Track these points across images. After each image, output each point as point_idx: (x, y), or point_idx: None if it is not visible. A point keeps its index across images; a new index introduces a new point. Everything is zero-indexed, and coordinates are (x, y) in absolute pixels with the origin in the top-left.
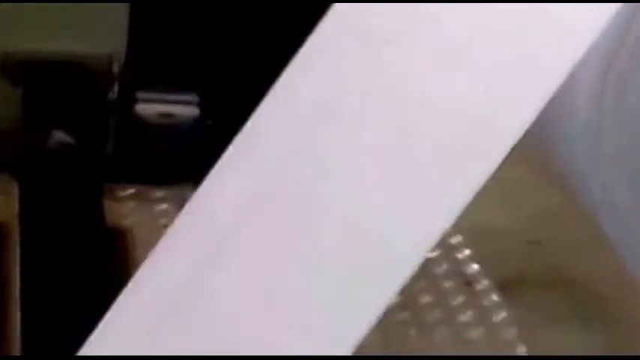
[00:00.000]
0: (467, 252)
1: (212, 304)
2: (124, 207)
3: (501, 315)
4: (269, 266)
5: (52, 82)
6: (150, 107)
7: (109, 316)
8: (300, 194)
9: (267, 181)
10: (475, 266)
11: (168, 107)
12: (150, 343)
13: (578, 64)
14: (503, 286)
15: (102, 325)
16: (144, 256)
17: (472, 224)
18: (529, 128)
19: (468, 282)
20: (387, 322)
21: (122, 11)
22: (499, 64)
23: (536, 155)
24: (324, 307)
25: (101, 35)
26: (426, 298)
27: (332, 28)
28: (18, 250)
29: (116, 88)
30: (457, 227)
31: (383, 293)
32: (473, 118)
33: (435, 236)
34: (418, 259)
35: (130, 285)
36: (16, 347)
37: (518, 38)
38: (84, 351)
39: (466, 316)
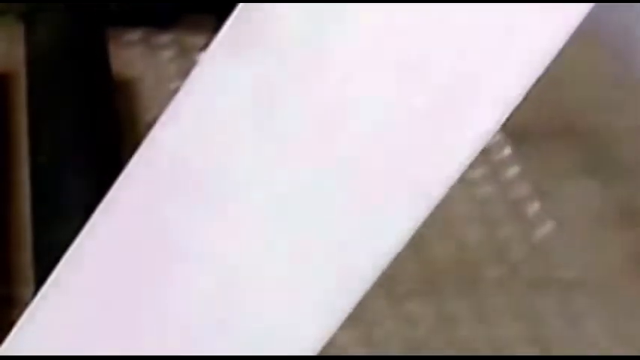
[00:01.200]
0: None
1: None
2: (130, 53)
3: (514, 170)
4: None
5: None
6: None
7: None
8: None
9: None
10: None
11: None
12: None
13: None
14: (515, 140)
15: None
16: (150, 105)
17: None
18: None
19: None
20: None
21: None
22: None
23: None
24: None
25: None
26: None
27: None
28: (25, 97)
29: None
30: None
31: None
32: None
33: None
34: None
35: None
36: (24, 196)
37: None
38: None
39: (477, 173)
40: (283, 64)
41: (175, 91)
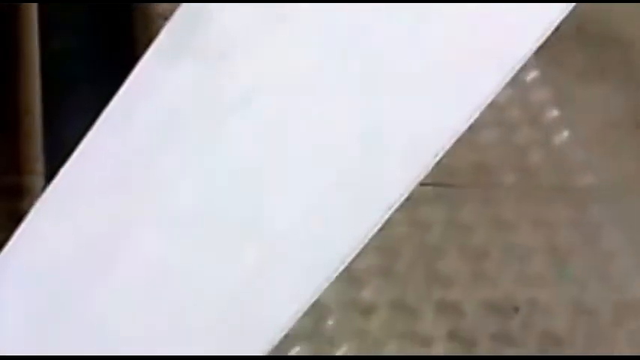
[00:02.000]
0: None
1: None
2: None
3: (533, 74)
4: None
5: None
6: None
7: None
8: None
9: None
10: None
11: None
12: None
13: None
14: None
15: None
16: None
17: None
18: None
19: None
20: None
21: None
22: None
23: None
24: None
25: None
26: None
27: None
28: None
29: None
30: None
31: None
32: None
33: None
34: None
35: None
36: (35, 88)
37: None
38: None
39: None
40: (216, 71)
41: None
